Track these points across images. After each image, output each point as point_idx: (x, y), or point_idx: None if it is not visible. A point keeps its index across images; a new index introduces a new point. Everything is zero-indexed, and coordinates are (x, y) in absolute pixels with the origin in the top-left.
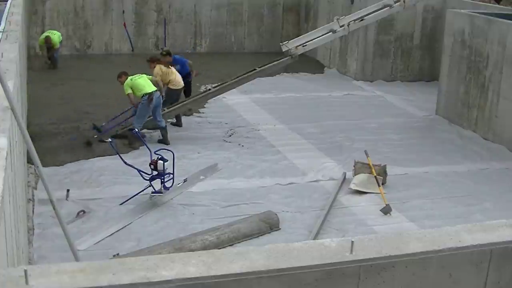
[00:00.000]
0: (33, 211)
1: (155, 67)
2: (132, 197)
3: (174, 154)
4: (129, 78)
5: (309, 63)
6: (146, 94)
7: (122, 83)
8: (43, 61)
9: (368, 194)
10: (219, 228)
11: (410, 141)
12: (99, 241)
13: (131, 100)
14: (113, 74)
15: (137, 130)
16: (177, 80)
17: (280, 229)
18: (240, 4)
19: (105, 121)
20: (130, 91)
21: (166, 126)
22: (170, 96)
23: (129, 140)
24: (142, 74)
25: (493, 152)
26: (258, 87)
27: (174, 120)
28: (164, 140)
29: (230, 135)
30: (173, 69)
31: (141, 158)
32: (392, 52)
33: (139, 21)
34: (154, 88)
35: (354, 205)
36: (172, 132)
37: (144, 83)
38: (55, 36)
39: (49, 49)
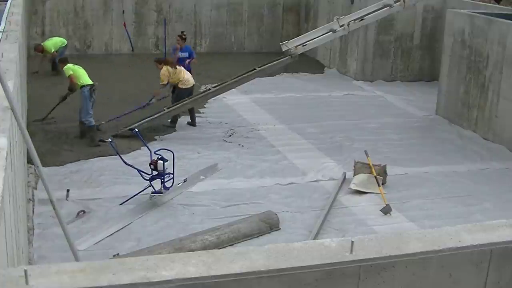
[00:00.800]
0: (33, 211)
1: (162, 68)
2: (132, 197)
3: (174, 154)
4: (70, 64)
5: (309, 63)
6: (87, 85)
7: (62, 68)
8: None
9: (368, 194)
10: (219, 228)
11: (410, 141)
12: (99, 241)
13: (72, 82)
14: (113, 74)
15: (137, 130)
16: (186, 78)
17: (280, 229)
18: (240, 4)
19: (105, 120)
20: (71, 73)
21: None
22: (181, 96)
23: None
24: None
25: (493, 152)
26: (258, 87)
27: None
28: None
29: (230, 135)
30: (181, 68)
31: (141, 158)
32: (392, 52)
33: (139, 21)
34: (92, 82)
35: (354, 205)
36: (173, 132)
37: (85, 73)
38: (49, 42)
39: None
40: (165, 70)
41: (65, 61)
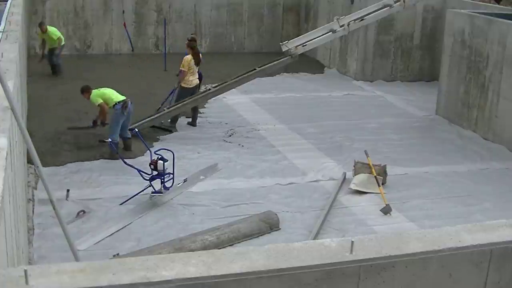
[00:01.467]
0: (33, 211)
1: (188, 54)
2: (132, 197)
3: (174, 154)
4: (95, 90)
5: (309, 63)
6: (119, 102)
7: (88, 97)
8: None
9: (368, 194)
10: (219, 228)
11: (410, 141)
12: (99, 241)
13: (103, 111)
14: (113, 74)
15: (137, 130)
16: (190, 79)
17: (280, 229)
18: (240, 4)
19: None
20: (101, 101)
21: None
22: (182, 95)
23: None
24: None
25: (493, 152)
26: (258, 87)
27: (190, 119)
28: (127, 148)
29: (230, 135)
30: (196, 68)
31: (141, 158)
32: (392, 52)
33: (139, 21)
34: (124, 97)
35: (354, 205)
36: (174, 131)
37: (113, 92)
38: (53, 28)
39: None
40: (189, 58)
41: (88, 90)
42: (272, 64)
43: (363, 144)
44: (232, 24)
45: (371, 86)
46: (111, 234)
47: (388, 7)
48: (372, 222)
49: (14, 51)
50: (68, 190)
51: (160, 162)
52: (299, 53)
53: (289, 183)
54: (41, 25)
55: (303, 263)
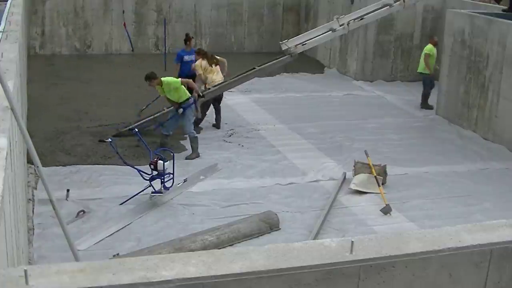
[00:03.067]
0: (33, 211)
1: (198, 59)
2: (132, 197)
3: (174, 154)
4: (167, 79)
5: (309, 63)
6: (189, 98)
7: (156, 84)
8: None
9: (368, 194)
10: (219, 228)
11: (410, 141)
12: (99, 241)
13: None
14: (113, 74)
15: (136, 130)
16: (213, 79)
17: (280, 229)
18: (240, 4)
19: (105, 121)
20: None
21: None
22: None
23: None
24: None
25: (493, 152)
26: (258, 87)
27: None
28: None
29: (230, 135)
30: (215, 68)
31: (141, 158)
32: (392, 52)
33: (139, 21)
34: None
35: (354, 205)
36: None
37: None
38: None
39: None
40: (199, 62)
41: (155, 76)
42: (271, 63)
43: (363, 144)
44: (232, 24)
45: (371, 86)
46: (111, 234)
47: (388, 7)
48: (372, 222)
49: (14, 51)
50: (68, 190)
51: (160, 162)
52: (299, 52)
53: (289, 183)
54: None
55: (303, 263)
